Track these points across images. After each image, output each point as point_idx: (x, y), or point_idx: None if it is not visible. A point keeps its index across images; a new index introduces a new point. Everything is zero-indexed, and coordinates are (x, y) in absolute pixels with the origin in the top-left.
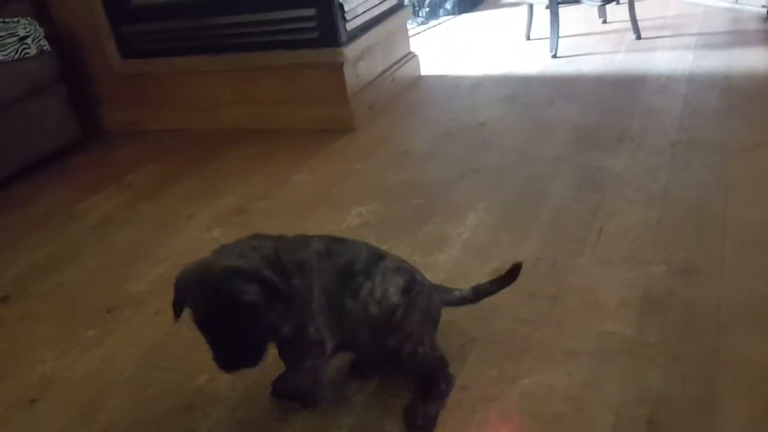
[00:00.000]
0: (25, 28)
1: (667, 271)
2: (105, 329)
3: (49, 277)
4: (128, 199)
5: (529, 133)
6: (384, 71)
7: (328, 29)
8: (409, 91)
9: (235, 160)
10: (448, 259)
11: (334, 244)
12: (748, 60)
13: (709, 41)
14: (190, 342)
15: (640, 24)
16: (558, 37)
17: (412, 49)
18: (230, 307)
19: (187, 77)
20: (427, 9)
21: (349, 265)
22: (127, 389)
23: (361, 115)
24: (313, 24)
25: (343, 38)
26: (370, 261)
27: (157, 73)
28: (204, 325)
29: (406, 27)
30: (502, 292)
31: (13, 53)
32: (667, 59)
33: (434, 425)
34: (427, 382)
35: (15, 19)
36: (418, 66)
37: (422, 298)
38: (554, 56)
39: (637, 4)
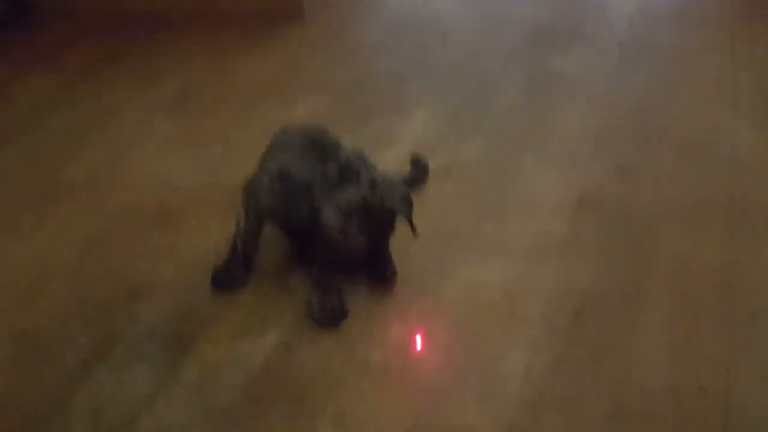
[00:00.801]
0: None
1: (605, 172)
2: (42, 217)
3: None
4: (64, 82)
5: (482, 30)
6: None
7: None
8: None
9: (174, 43)
10: (396, 156)
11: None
12: None
13: None
14: (132, 229)
15: None
16: None
17: None
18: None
19: None
20: None
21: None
22: (68, 276)
23: (311, 0)
24: None
25: None
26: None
27: None
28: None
29: None
30: (443, 189)
31: None
32: None
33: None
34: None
35: None
36: None
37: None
38: None
39: None
